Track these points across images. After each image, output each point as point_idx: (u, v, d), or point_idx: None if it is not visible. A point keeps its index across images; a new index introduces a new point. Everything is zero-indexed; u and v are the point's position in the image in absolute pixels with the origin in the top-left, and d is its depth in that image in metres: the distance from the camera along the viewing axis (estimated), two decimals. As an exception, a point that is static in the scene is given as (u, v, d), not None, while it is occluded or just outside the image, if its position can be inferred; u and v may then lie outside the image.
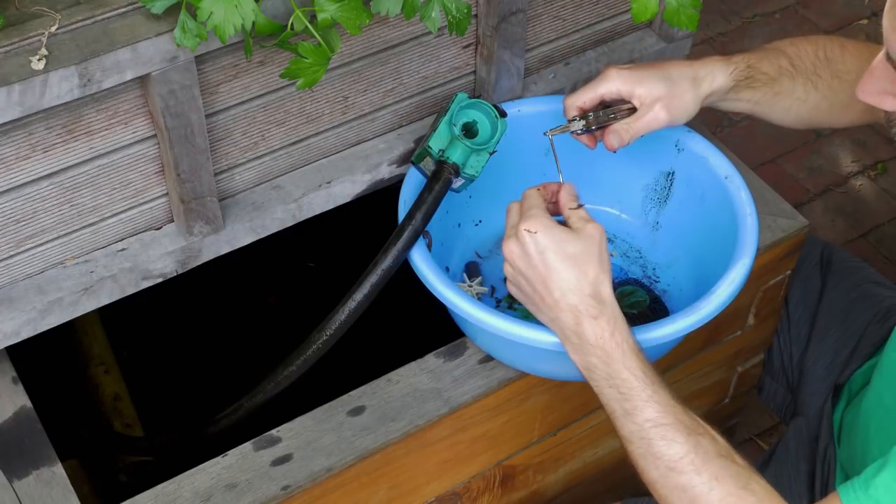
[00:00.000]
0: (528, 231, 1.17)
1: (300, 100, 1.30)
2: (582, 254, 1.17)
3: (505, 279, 1.24)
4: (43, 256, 1.24)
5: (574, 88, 1.50)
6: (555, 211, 1.24)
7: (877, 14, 2.75)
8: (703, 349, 1.60)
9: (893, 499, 1.05)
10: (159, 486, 1.26)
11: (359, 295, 1.28)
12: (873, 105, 1.17)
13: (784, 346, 1.65)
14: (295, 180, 1.35)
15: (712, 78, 1.34)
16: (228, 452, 1.29)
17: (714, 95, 1.36)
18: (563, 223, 1.21)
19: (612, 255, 1.50)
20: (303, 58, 1.13)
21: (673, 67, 1.34)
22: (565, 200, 1.23)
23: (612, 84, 1.33)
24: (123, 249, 1.28)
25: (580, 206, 1.22)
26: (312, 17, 1.12)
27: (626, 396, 1.15)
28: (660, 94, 1.32)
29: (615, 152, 1.34)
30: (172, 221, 1.30)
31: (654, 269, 1.49)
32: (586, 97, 1.34)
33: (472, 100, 1.32)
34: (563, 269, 1.17)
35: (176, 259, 1.29)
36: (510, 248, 1.20)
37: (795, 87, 1.39)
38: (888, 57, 1.10)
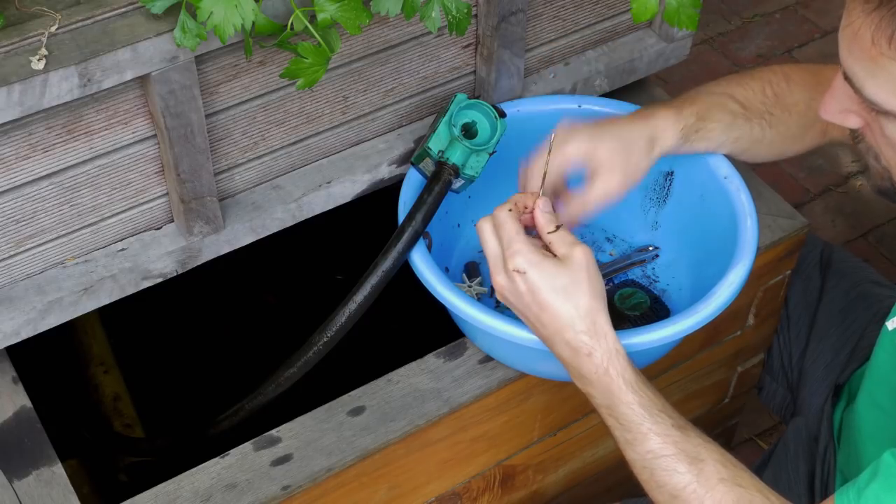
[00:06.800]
0: (517, 271, 1.16)
1: (300, 100, 1.30)
2: (572, 285, 1.15)
3: None
4: (43, 256, 1.24)
5: (574, 89, 1.50)
6: (529, 224, 1.21)
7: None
8: (703, 349, 1.60)
9: None
10: (159, 486, 1.26)
11: (359, 297, 1.28)
12: (837, 123, 1.17)
13: (784, 345, 1.65)
14: (295, 180, 1.36)
15: (664, 139, 1.32)
16: (228, 452, 1.29)
17: (666, 153, 1.34)
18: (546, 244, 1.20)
19: (610, 255, 1.51)
20: (303, 58, 1.13)
21: (627, 127, 1.31)
22: (543, 224, 1.20)
23: (579, 144, 1.27)
24: (123, 249, 1.28)
25: (558, 227, 1.19)
26: (312, 17, 1.12)
27: (625, 427, 1.15)
28: (616, 161, 1.28)
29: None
30: (172, 221, 1.30)
31: (653, 268, 1.49)
32: (554, 163, 1.27)
33: (472, 100, 1.32)
34: (555, 305, 1.15)
35: (176, 259, 1.29)
36: (499, 284, 1.18)
37: (752, 128, 1.37)
38: (845, 77, 1.10)
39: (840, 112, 1.15)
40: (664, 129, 1.32)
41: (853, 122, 1.15)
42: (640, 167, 1.31)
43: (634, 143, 1.30)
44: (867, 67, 1.06)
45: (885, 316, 1.52)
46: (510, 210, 1.19)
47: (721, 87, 1.38)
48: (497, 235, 1.19)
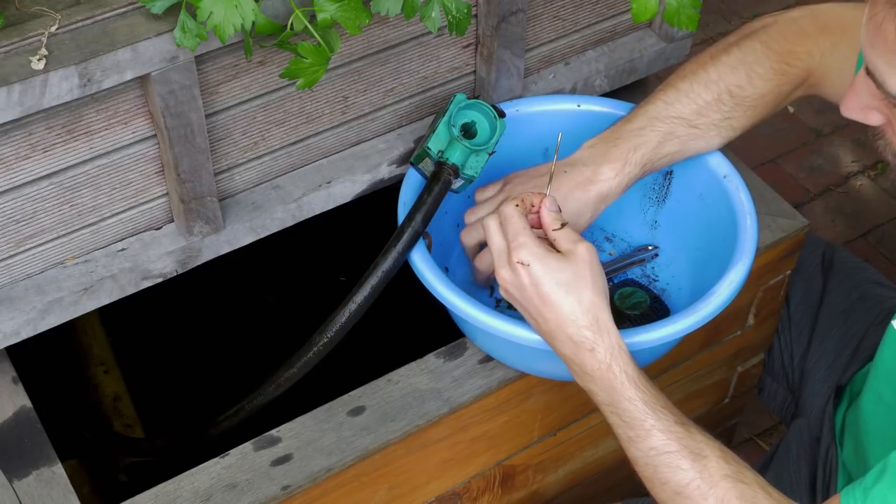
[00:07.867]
0: (521, 264, 1.17)
1: (300, 100, 1.30)
2: (575, 280, 1.16)
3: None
4: (43, 256, 1.24)
5: (574, 89, 1.50)
6: (535, 224, 1.22)
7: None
8: (703, 349, 1.60)
9: None
10: (159, 486, 1.26)
11: (359, 297, 1.28)
12: (858, 121, 1.16)
13: (785, 346, 1.64)
14: (295, 180, 1.36)
15: (609, 198, 1.34)
16: (228, 452, 1.29)
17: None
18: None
19: (609, 254, 1.51)
20: (303, 58, 1.13)
21: (570, 205, 1.32)
22: (549, 221, 1.21)
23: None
24: (123, 249, 1.28)
25: (564, 224, 1.21)
26: (312, 17, 1.12)
27: (628, 424, 1.15)
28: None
29: None
30: (172, 221, 1.30)
31: (652, 268, 1.49)
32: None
33: (471, 100, 1.32)
34: (557, 299, 1.16)
35: (176, 259, 1.29)
36: (503, 277, 1.19)
37: (710, 140, 1.37)
38: (867, 72, 1.09)
39: (861, 109, 1.13)
40: (607, 192, 1.33)
41: (875, 118, 1.13)
42: (586, 226, 1.35)
43: (579, 217, 1.33)
44: (890, 61, 1.03)
45: (887, 316, 1.52)
46: (516, 206, 1.20)
47: (671, 106, 1.35)
48: (503, 230, 1.20)
